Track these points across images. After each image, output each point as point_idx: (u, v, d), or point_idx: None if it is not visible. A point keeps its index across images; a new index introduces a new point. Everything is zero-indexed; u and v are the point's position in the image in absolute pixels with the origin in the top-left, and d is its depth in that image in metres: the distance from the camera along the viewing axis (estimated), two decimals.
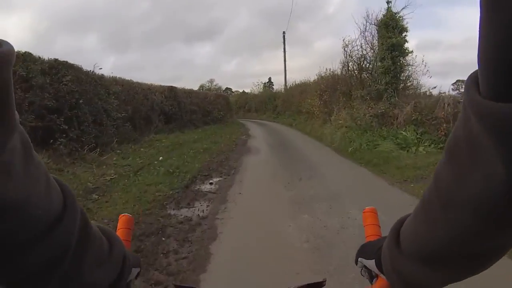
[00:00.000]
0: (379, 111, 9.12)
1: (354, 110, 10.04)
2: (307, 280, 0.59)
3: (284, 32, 27.75)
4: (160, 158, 7.65)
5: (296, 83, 22.61)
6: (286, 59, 26.89)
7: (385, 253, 0.48)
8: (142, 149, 8.84)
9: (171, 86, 14.76)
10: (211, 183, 5.65)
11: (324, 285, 0.60)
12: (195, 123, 16.01)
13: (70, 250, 0.35)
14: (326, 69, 14.29)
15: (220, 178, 6.04)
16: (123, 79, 11.08)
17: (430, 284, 0.42)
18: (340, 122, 10.26)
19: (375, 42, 10.55)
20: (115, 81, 10.12)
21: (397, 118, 8.72)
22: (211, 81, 38.07)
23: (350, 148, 8.55)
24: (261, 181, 5.71)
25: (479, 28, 0.25)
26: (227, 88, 37.37)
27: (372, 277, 0.58)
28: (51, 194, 0.33)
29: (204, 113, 18.02)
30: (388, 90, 9.74)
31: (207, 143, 10.39)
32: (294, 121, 17.97)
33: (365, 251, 0.58)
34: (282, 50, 26.88)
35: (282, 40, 26.23)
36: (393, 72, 9.79)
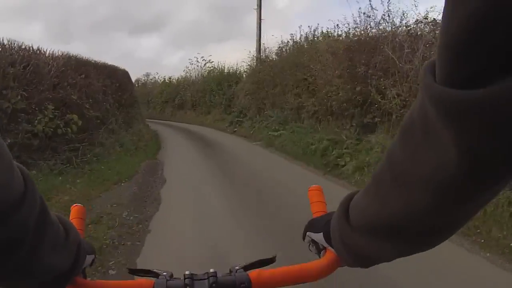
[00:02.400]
0: None
1: None
2: (258, 257, 0.66)
3: None
4: None
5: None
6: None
7: (334, 226, 0.55)
8: None
9: None
10: None
11: (275, 261, 0.67)
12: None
13: (29, 233, 0.39)
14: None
15: None
16: None
17: (379, 256, 0.49)
18: None
19: None
20: None
21: None
22: (147, 74, 28.30)
23: None
24: None
25: (444, 10, 0.27)
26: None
27: (319, 250, 0.66)
28: (13, 176, 0.36)
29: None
30: None
31: None
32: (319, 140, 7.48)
33: (313, 225, 0.66)
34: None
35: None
36: None
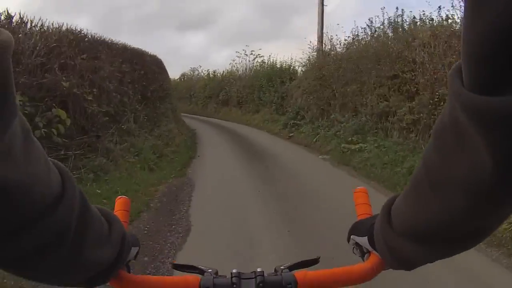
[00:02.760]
0: None
1: None
2: (300, 258, 0.66)
3: None
4: None
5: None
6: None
7: (378, 230, 0.55)
8: None
9: None
10: None
11: (318, 262, 0.67)
12: None
13: (71, 229, 0.39)
14: None
15: None
16: None
17: (421, 259, 0.50)
18: None
19: None
20: None
21: None
22: (194, 69, 25.25)
23: None
24: None
25: (464, 21, 0.28)
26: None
27: (363, 253, 0.65)
28: (50, 175, 0.37)
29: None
30: None
31: None
32: None
33: (358, 228, 0.65)
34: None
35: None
36: None
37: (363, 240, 0.62)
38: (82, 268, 0.44)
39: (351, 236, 0.66)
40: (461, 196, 0.35)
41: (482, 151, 0.29)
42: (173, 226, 3.68)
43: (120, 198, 0.71)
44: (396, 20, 9.00)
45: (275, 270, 0.63)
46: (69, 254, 0.39)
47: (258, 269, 0.60)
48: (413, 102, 6.38)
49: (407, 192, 0.46)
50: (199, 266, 0.63)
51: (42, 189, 0.35)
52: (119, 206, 0.70)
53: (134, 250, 0.60)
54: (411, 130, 6.33)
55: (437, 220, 0.40)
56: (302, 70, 13.32)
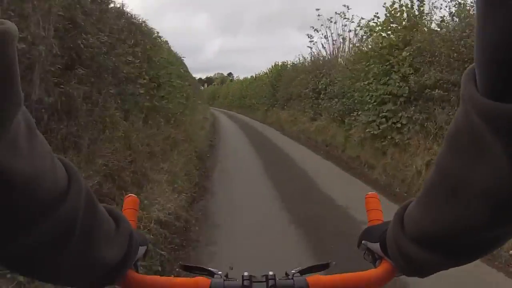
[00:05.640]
0: None
1: None
2: (312, 263, 0.65)
3: None
4: None
5: None
6: None
7: (390, 236, 0.54)
8: None
9: None
10: None
11: (329, 266, 0.66)
12: None
13: (77, 227, 0.39)
14: None
15: None
16: None
17: (435, 267, 0.48)
18: None
19: None
20: None
21: None
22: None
23: None
24: None
25: (477, 25, 0.27)
26: None
27: (375, 259, 0.65)
28: (56, 170, 0.37)
29: None
30: None
31: None
32: None
33: (369, 234, 0.65)
34: None
35: None
36: None
37: (375, 246, 0.61)
38: (89, 268, 0.43)
39: (363, 242, 0.65)
40: (479, 203, 0.34)
41: (499, 157, 0.29)
42: None
43: (128, 196, 0.71)
44: None
45: (286, 274, 0.62)
46: (75, 253, 0.39)
47: (270, 273, 0.60)
48: None
49: (420, 198, 0.45)
50: (209, 268, 0.63)
51: (47, 184, 0.34)
52: (128, 204, 0.69)
53: (142, 250, 0.60)
54: None
55: (453, 227, 0.39)
56: None
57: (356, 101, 7.75)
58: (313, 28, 13.02)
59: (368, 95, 6.97)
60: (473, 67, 0.30)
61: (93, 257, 0.42)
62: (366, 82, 7.11)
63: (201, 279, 0.58)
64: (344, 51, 11.95)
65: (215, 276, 0.60)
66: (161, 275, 0.64)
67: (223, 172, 6.58)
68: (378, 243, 0.60)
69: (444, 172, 0.37)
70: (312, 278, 0.59)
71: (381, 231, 0.59)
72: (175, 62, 10.10)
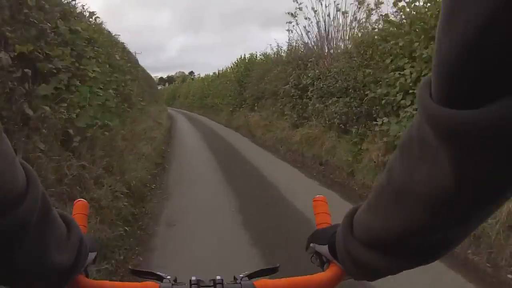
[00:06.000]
0: None
1: None
2: (260, 267, 0.65)
3: None
4: None
5: None
6: None
7: (340, 240, 0.54)
8: None
9: None
10: None
11: (278, 271, 0.66)
12: None
13: (30, 230, 0.38)
14: None
15: None
16: None
17: (384, 270, 0.47)
18: None
19: None
20: None
21: None
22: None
23: None
24: None
25: (437, 32, 0.27)
26: None
27: (323, 263, 0.65)
28: (16, 172, 0.37)
29: None
30: None
31: None
32: None
33: (318, 237, 0.64)
34: None
35: None
36: None
37: (324, 249, 0.61)
38: (38, 270, 0.42)
39: (311, 244, 0.65)
40: (421, 207, 0.35)
41: (443, 164, 0.29)
42: None
43: (78, 201, 0.70)
44: None
45: (235, 278, 0.62)
46: (26, 255, 0.39)
47: (218, 277, 0.60)
48: None
49: (369, 202, 0.46)
50: (157, 273, 0.62)
51: (6, 185, 0.35)
52: (78, 209, 0.69)
53: (92, 255, 0.59)
54: None
55: (399, 231, 0.40)
56: None
57: (377, 101, 5.24)
58: (289, 13, 10.08)
59: (403, 91, 4.43)
60: (429, 77, 0.30)
61: (43, 262, 0.42)
62: (399, 73, 4.57)
63: (150, 284, 0.59)
64: (346, 30, 8.79)
65: (164, 280, 0.60)
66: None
67: (175, 237, 3.52)
68: (327, 246, 0.59)
69: (392, 177, 0.38)
70: (259, 282, 0.60)
71: (329, 234, 0.59)
72: (109, 45, 7.16)
